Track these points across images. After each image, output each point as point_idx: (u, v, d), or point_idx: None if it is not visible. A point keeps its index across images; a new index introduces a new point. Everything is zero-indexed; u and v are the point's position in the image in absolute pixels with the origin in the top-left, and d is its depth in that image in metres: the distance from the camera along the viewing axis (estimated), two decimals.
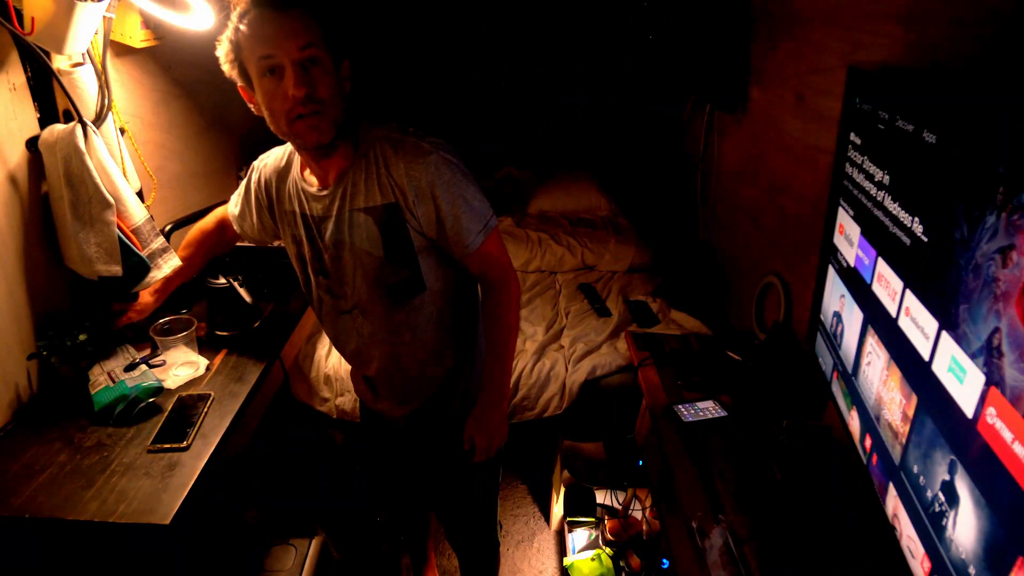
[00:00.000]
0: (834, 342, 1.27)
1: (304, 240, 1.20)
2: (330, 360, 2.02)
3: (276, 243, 1.39)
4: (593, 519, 2.06)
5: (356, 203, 1.11)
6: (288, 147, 1.23)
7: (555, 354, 2.10)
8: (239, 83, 1.06)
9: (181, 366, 1.49)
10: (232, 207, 1.39)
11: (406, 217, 1.10)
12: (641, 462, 1.71)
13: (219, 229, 1.49)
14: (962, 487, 0.77)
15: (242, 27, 0.98)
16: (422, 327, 1.23)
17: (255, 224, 1.34)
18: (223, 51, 1.03)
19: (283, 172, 1.22)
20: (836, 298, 1.27)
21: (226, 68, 1.05)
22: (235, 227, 1.41)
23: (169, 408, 1.36)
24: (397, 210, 1.10)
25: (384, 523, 1.93)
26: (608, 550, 1.94)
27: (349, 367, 1.48)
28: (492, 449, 1.32)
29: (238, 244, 1.57)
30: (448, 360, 1.30)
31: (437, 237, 1.13)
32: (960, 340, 0.79)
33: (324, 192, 1.13)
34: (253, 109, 1.07)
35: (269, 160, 1.26)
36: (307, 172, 1.17)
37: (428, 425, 1.39)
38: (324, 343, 2.09)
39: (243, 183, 1.33)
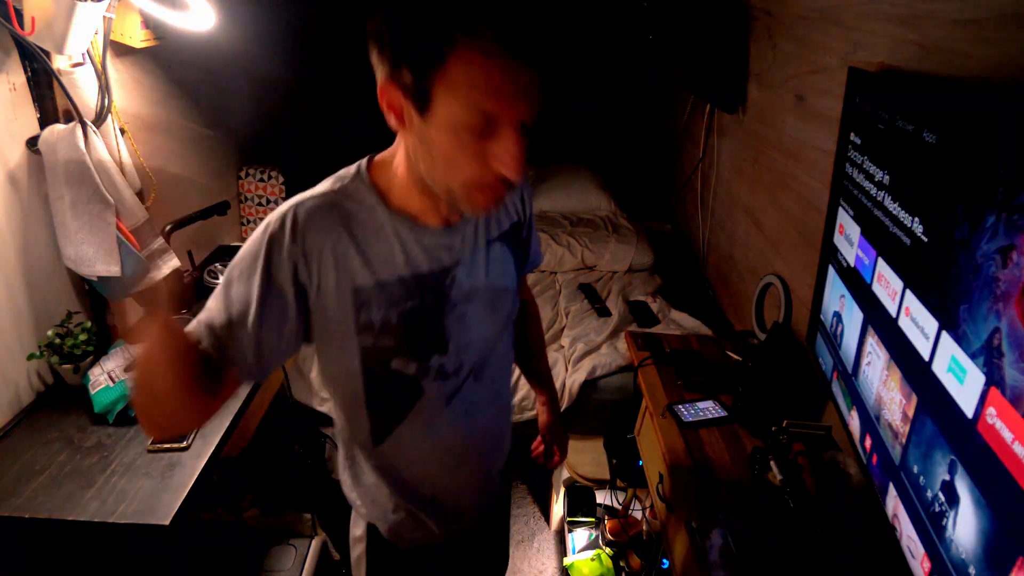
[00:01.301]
0: (834, 342, 1.27)
1: (404, 316, 0.81)
2: None
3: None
4: (593, 519, 2.05)
5: (492, 232, 0.89)
6: (333, 192, 0.79)
7: (555, 354, 2.10)
8: (390, 79, 0.68)
9: None
10: (221, 350, 0.76)
11: (524, 235, 0.96)
12: (641, 462, 1.71)
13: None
14: (962, 487, 0.77)
15: (469, 46, 0.62)
16: (509, 350, 1.02)
17: (266, 351, 0.77)
18: (424, 32, 0.63)
19: (350, 224, 0.78)
20: (836, 298, 1.27)
21: (382, 52, 0.67)
22: (246, 380, 0.79)
23: None
24: (520, 228, 0.95)
25: None
26: (608, 550, 1.94)
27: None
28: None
29: (237, 244, 1.56)
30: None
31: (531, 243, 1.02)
32: (960, 340, 0.79)
33: (448, 233, 0.83)
34: (388, 115, 0.72)
35: (302, 218, 0.76)
36: (422, 211, 0.80)
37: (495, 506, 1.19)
38: None
39: (226, 294, 0.76)
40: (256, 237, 0.76)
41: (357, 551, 1.08)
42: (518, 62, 0.64)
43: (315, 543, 1.77)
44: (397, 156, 0.79)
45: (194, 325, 0.76)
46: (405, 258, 0.80)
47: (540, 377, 1.25)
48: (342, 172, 0.83)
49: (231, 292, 0.76)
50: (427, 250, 0.81)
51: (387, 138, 0.87)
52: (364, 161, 0.83)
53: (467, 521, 1.06)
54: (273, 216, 0.77)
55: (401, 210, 0.80)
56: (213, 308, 0.76)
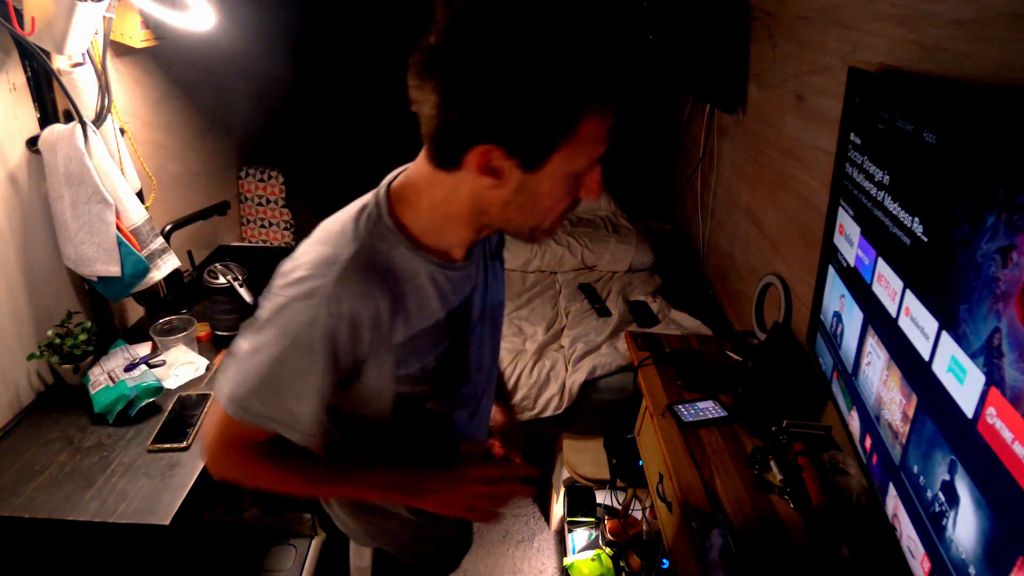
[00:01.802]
0: (834, 342, 1.27)
1: (438, 360, 0.80)
2: None
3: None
4: (593, 519, 2.05)
5: (489, 248, 0.89)
6: (367, 233, 0.73)
7: (555, 354, 2.10)
8: (497, 146, 0.64)
9: (181, 366, 1.49)
10: (303, 438, 0.75)
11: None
12: (641, 462, 1.71)
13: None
14: (962, 487, 0.77)
15: (596, 121, 0.65)
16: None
17: (318, 420, 0.75)
18: (563, 95, 0.61)
19: (391, 283, 0.73)
20: (836, 298, 1.27)
21: (495, 126, 0.63)
22: (308, 446, 0.78)
23: (169, 408, 1.36)
24: (502, 238, 0.94)
25: None
26: (608, 550, 1.94)
27: None
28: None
29: (237, 244, 1.56)
30: None
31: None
32: (960, 340, 0.79)
33: (468, 261, 0.81)
34: (480, 174, 0.67)
35: (347, 297, 0.69)
36: (446, 247, 0.77)
37: None
38: None
39: (288, 372, 0.71)
40: (299, 324, 0.69)
41: None
42: (611, 115, 0.66)
43: (315, 543, 1.77)
44: (428, 196, 0.73)
45: (246, 411, 0.72)
46: (439, 301, 0.77)
47: (503, 381, 1.18)
48: (357, 217, 0.74)
49: (287, 374, 0.71)
50: (454, 284, 0.79)
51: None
52: (380, 198, 0.75)
53: (465, 534, 1.11)
54: (313, 301, 0.68)
55: (429, 249, 0.75)
56: (270, 384, 0.71)
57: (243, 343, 0.73)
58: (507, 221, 0.73)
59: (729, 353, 1.78)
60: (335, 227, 0.74)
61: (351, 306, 0.69)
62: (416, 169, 0.75)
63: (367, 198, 0.77)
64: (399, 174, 0.78)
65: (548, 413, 1.99)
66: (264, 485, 0.80)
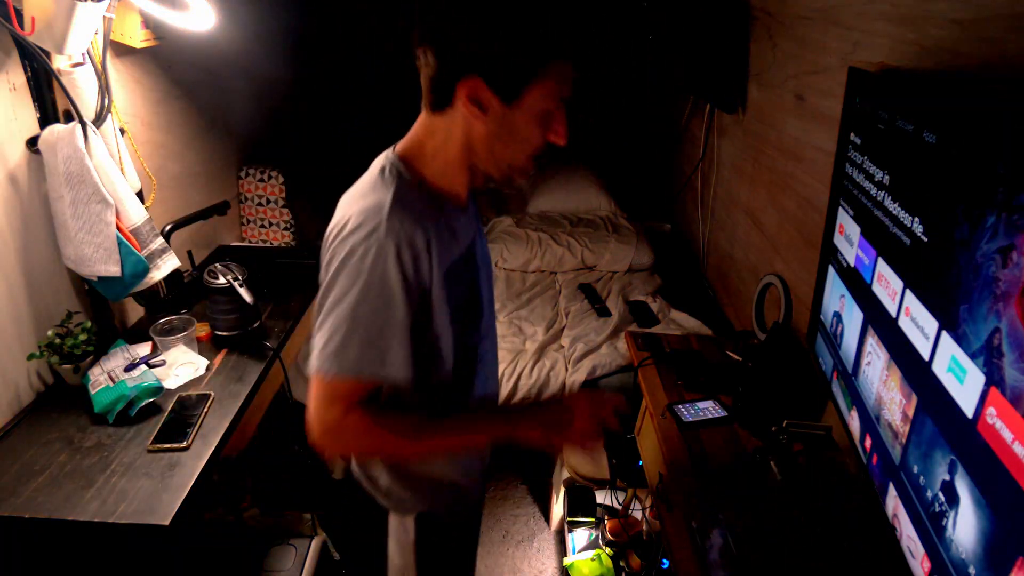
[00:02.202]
0: (834, 342, 1.27)
1: (469, 288, 0.92)
2: None
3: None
4: (593, 519, 2.05)
5: (476, 212, 1.00)
6: (396, 184, 0.82)
7: (555, 354, 2.10)
8: (480, 77, 0.77)
9: (181, 366, 1.49)
10: (400, 372, 0.82)
11: None
12: (641, 462, 1.71)
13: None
14: (962, 487, 0.77)
15: (564, 51, 0.79)
16: None
17: (412, 350, 0.83)
18: (532, 39, 0.76)
19: (427, 217, 0.82)
20: (836, 298, 1.27)
21: (477, 60, 0.76)
22: (406, 383, 0.85)
23: (169, 408, 1.36)
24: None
25: None
26: (608, 550, 1.94)
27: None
28: None
29: (237, 244, 1.56)
30: None
31: None
32: (960, 340, 0.79)
33: (468, 210, 0.94)
34: (467, 105, 0.79)
35: (403, 224, 0.78)
36: (452, 193, 0.89)
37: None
38: None
39: (375, 316, 0.78)
40: (371, 259, 0.76)
41: (405, 558, 1.05)
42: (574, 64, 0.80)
43: (315, 543, 1.77)
44: (432, 146, 0.85)
45: (347, 364, 0.78)
46: (458, 240, 0.88)
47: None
48: (382, 174, 0.84)
49: (370, 312, 0.77)
50: (462, 227, 0.90)
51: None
52: (392, 157, 0.86)
53: (485, 488, 1.19)
54: (375, 235, 0.77)
55: (443, 194, 0.87)
56: (358, 332, 0.77)
57: (322, 310, 0.79)
58: (491, 156, 0.84)
59: (729, 353, 1.78)
60: (366, 187, 0.84)
61: (407, 232, 0.77)
62: (416, 127, 0.87)
63: (380, 160, 0.87)
64: (398, 143, 0.89)
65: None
66: (373, 448, 0.86)
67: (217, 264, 1.61)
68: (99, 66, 1.42)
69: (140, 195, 1.58)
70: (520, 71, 0.77)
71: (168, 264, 1.58)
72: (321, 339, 0.78)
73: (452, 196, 0.88)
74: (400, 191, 0.81)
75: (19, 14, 1.17)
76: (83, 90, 1.38)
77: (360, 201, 0.81)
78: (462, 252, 0.88)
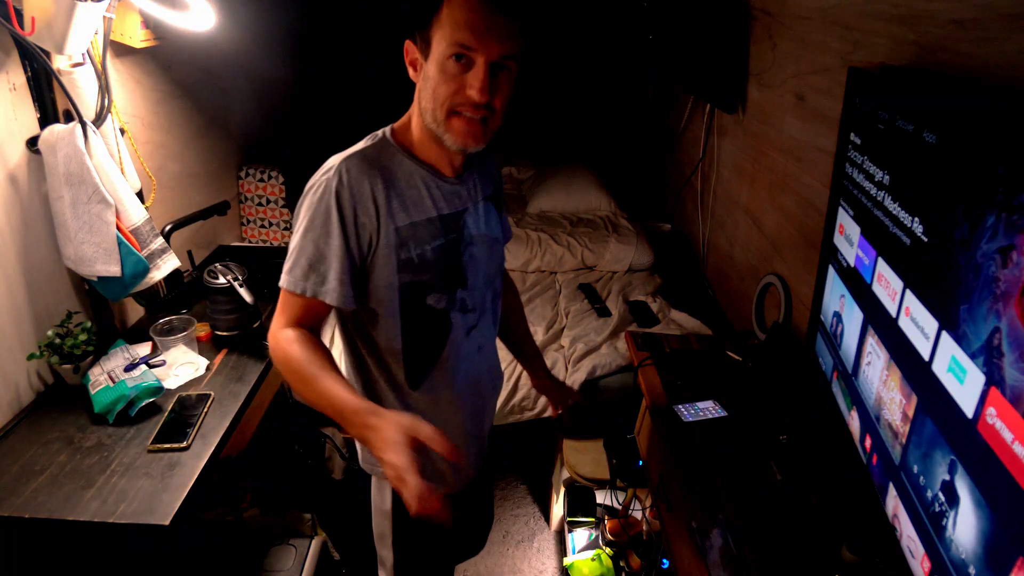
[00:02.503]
0: (834, 342, 1.27)
1: (435, 252, 0.99)
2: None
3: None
4: (593, 519, 2.05)
5: (483, 191, 1.09)
6: (368, 148, 0.97)
7: (555, 354, 2.10)
8: (411, 36, 0.92)
9: (181, 366, 1.49)
10: (318, 286, 0.93)
11: (500, 203, 1.18)
12: (641, 462, 1.71)
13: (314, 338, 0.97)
14: (962, 487, 0.77)
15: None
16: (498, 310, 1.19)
17: (347, 282, 0.94)
18: None
19: (386, 174, 0.95)
20: (836, 298, 1.27)
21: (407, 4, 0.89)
22: (342, 306, 0.95)
23: (169, 408, 1.36)
24: (501, 192, 1.17)
25: None
26: (608, 550, 1.94)
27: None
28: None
29: (237, 244, 1.57)
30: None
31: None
32: (960, 340, 0.79)
33: (459, 182, 1.03)
34: (409, 68, 0.95)
35: (356, 169, 0.93)
36: (434, 161, 0.99)
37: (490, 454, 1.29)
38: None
39: (308, 238, 0.92)
40: (319, 195, 0.92)
41: (382, 525, 1.16)
42: (489, 8, 0.86)
43: (315, 543, 1.77)
44: (413, 118, 0.98)
45: (292, 279, 0.93)
46: (432, 201, 0.98)
47: (532, 337, 1.42)
48: (369, 136, 0.99)
49: (314, 240, 0.92)
50: (446, 195, 1.00)
51: None
52: (386, 128, 1.00)
53: (470, 474, 1.21)
54: (327, 175, 0.93)
55: (422, 161, 0.98)
56: (304, 255, 0.93)
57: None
58: (427, 111, 0.93)
59: (729, 353, 1.78)
60: (355, 145, 0.99)
61: (351, 180, 0.91)
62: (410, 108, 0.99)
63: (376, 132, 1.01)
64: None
65: (548, 413, 1.98)
66: (284, 370, 0.91)
67: (217, 264, 1.62)
68: (99, 66, 1.42)
69: (140, 195, 1.58)
70: (420, 18, 0.89)
71: (168, 264, 1.58)
72: (286, 259, 0.95)
73: (437, 166, 1.00)
74: (368, 148, 0.97)
75: (19, 14, 1.17)
76: (83, 90, 1.38)
77: (334, 156, 0.96)
78: (429, 216, 0.98)
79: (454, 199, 1.02)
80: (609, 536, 1.96)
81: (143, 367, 1.41)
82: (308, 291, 0.92)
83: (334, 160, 0.95)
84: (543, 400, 1.98)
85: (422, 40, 0.90)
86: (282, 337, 0.92)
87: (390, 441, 0.77)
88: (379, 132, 1.00)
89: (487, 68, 0.88)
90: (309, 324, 0.95)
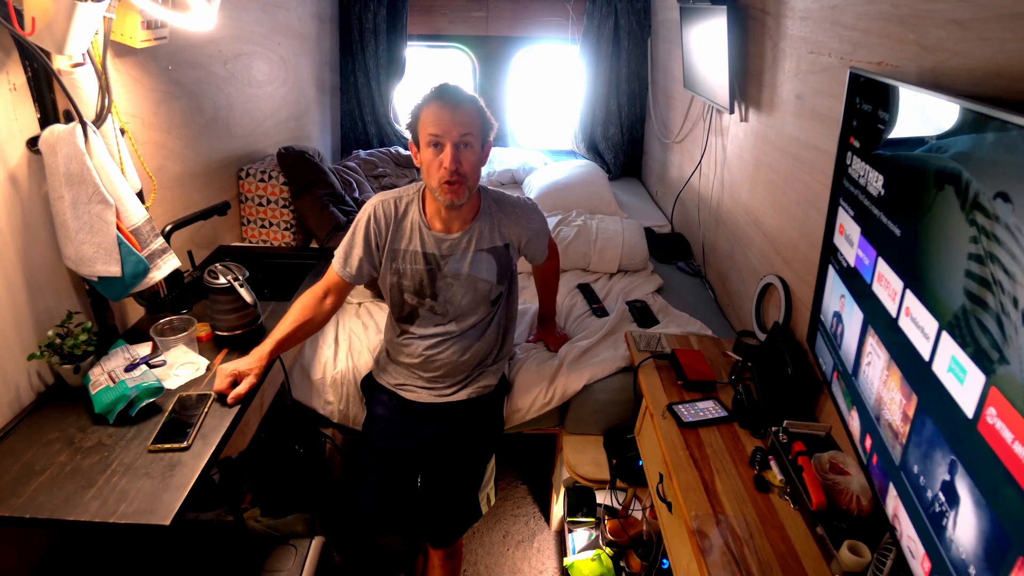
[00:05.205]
0: (834, 342, 1.27)
1: (414, 272, 1.56)
2: (338, 364, 2.02)
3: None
4: (593, 519, 2.05)
5: (481, 245, 1.56)
6: (401, 196, 1.55)
7: (554, 355, 2.09)
8: (409, 138, 1.48)
9: (181, 366, 1.49)
10: (342, 268, 1.58)
11: (513, 253, 1.64)
12: (641, 462, 1.71)
13: (321, 300, 1.60)
14: (962, 487, 0.77)
15: (424, 107, 1.40)
16: (495, 323, 1.69)
17: (365, 268, 1.58)
18: (410, 111, 1.45)
19: (400, 217, 1.54)
20: (836, 298, 1.27)
21: (405, 122, 1.32)
22: (348, 281, 1.59)
23: (169, 408, 1.36)
24: (509, 248, 1.62)
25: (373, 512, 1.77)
26: (608, 550, 1.94)
27: (358, 372, 1.94)
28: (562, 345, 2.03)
29: (237, 244, 1.58)
30: (498, 349, 1.76)
31: (527, 253, 1.70)
32: (960, 340, 0.79)
33: (452, 237, 1.53)
34: (415, 159, 1.47)
35: (382, 208, 1.54)
36: (433, 220, 1.53)
37: (470, 406, 1.71)
38: (329, 345, 2.08)
39: (349, 238, 1.56)
40: (362, 216, 1.56)
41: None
42: (446, 108, 1.38)
43: (315, 543, 1.76)
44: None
45: (335, 260, 1.60)
46: (420, 242, 1.55)
47: (551, 302, 2.06)
48: (416, 184, 1.58)
49: (350, 241, 1.57)
50: (436, 241, 1.55)
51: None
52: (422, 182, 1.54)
53: (456, 394, 1.69)
54: (370, 205, 1.56)
55: (425, 215, 1.55)
56: (343, 249, 1.58)
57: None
58: (426, 183, 1.48)
59: (729, 353, 1.78)
60: (412, 184, 1.61)
61: (376, 213, 1.55)
62: None
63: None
64: None
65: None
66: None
67: (217, 264, 1.61)
68: (99, 66, 1.42)
69: (140, 195, 1.58)
70: (411, 127, 1.45)
71: (168, 264, 1.58)
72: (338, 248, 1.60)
73: (429, 219, 1.54)
74: (402, 194, 1.57)
75: (19, 14, 1.17)
76: (83, 90, 1.38)
77: (383, 193, 1.59)
78: (414, 250, 1.55)
79: (437, 246, 1.54)
80: (609, 536, 1.96)
81: (143, 367, 1.41)
82: (336, 269, 1.59)
83: (376, 197, 1.57)
84: (538, 406, 1.97)
85: (414, 140, 1.45)
86: (307, 290, 1.61)
87: (238, 363, 1.44)
88: (422, 183, 1.52)
89: (453, 147, 1.37)
90: (334, 289, 1.59)
